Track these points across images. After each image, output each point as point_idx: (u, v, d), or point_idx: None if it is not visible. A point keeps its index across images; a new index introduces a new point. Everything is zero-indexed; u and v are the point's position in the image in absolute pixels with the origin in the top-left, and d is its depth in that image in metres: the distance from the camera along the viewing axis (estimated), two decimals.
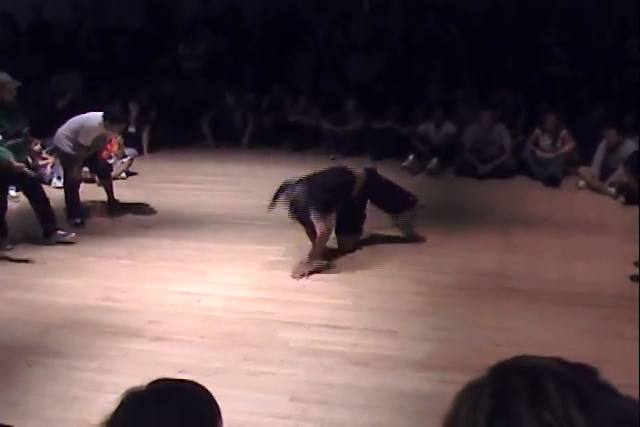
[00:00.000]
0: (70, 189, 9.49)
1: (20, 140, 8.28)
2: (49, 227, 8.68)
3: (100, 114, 9.20)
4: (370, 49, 14.50)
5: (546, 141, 11.47)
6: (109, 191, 9.93)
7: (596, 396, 1.24)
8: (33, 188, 8.64)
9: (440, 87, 13.15)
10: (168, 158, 12.66)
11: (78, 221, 9.37)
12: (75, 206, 9.50)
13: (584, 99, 12.50)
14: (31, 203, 8.75)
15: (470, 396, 1.30)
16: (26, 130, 8.41)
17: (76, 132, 9.15)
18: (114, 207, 9.93)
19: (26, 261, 8.19)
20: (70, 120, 9.37)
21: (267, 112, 13.71)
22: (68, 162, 9.50)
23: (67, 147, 9.30)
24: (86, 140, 9.19)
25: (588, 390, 1.24)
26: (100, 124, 9.16)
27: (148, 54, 15.14)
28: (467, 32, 14.73)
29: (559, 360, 1.31)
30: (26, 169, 8.27)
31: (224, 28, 15.89)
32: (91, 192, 10.20)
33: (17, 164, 8.00)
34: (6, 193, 8.65)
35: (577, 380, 1.26)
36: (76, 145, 9.21)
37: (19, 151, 8.34)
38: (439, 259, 8.03)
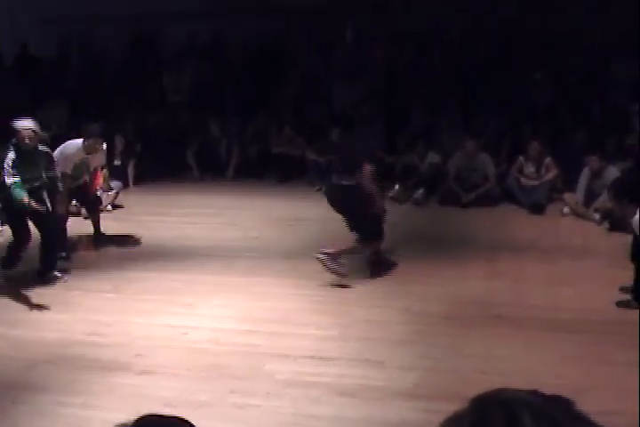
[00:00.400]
0: (57, 223, 9.45)
1: (38, 184, 8.27)
2: (47, 267, 8.60)
3: (79, 140, 9.24)
4: (353, 77, 14.59)
5: (530, 169, 11.53)
6: (96, 225, 9.90)
7: (570, 426, 1.27)
8: (45, 224, 8.54)
9: (423, 115, 13.23)
10: (154, 191, 12.67)
11: (64, 255, 9.34)
12: (61, 240, 9.46)
13: (566, 125, 12.59)
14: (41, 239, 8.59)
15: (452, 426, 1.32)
16: (51, 174, 8.44)
17: (57, 162, 9.10)
18: (100, 241, 9.90)
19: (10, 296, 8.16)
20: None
21: (251, 142, 13.75)
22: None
23: None
24: (66, 167, 9.08)
25: (563, 420, 1.27)
26: (77, 148, 9.16)
27: (133, 86, 15.21)
28: (449, 60, 14.85)
29: (535, 392, 1.35)
30: (38, 207, 8.16)
31: (208, 59, 15.99)
32: (76, 225, 10.15)
33: (33, 203, 7.92)
34: (27, 227, 8.54)
35: (552, 411, 1.29)
36: (61, 176, 9.19)
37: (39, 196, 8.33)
38: (425, 287, 8.04)
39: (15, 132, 8.06)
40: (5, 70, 15.63)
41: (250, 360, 6.46)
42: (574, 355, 6.36)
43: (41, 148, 8.34)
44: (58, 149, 9.29)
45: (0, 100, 13.98)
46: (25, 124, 8.13)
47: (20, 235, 8.41)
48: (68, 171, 9.17)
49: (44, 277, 8.56)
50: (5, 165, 7.89)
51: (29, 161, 8.13)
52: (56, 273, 8.62)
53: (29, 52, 16.36)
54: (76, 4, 16.57)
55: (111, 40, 16.21)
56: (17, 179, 7.85)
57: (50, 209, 8.42)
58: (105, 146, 9.73)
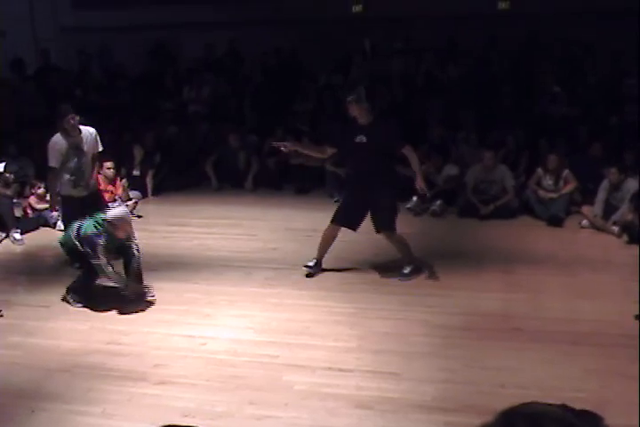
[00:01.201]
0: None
1: None
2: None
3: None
4: (370, 91, 14.59)
5: (548, 181, 11.51)
6: None
7: None
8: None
9: (440, 128, 13.24)
10: (172, 201, 12.73)
11: (77, 265, 9.35)
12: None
13: (584, 137, 12.56)
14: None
15: None
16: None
17: (49, 158, 9.08)
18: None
19: (29, 304, 8.20)
20: None
21: (269, 154, 13.79)
22: (64, 204, 9.42)
23: (62, 188, 9.30)
24: (54, 161, 9.02)
25: None
26: (57, 136, 9.03)
27: (152, 98, 15.29)
28: (465, 73, 14.87)
29: (565, 407, 1.34)
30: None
31: (226, 71, 16.06)
32: None
33: None
34: None
35: (581, 426, 1.29)
36: (49, 171, 9.18)
37: None
38: (443, 300, 8.02)
39: None
40: (26, 80, 15.73)
41: (268, 371, 6.46)
42: (593, 368, 6.33)
43: None
44: None
45: (22, 108, 14.10)
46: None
47: None
48: (56, 164, 9.05)
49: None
50: None
51: None
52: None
53: (51, 62, 16.48)
54: (95, 15, 16.71)
55: (130, 50, 16.31)
56: None
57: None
58: (94, 131, 9.32)
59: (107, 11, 17.01)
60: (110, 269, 7.86)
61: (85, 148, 9.19)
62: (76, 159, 9.11)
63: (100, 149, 9.44)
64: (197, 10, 16.58)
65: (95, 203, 9.49)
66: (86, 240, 7.79)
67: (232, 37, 16.39)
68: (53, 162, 9.05)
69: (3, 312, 7.84)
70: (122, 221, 7.83)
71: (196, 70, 16.07)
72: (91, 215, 8.03)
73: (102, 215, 7.85)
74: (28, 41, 17.26)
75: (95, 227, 7.79)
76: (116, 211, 7.97)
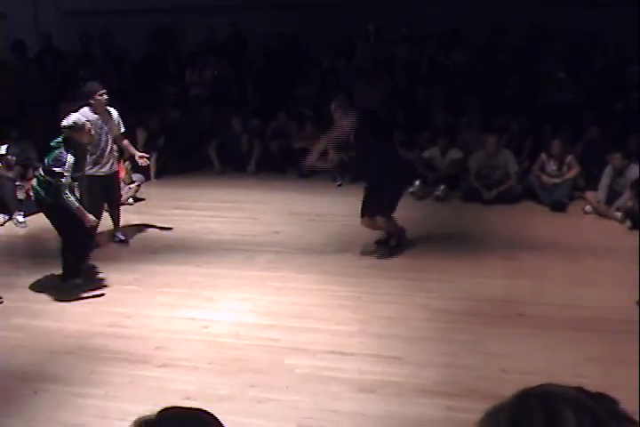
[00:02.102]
0: (93, 211, 9.36)
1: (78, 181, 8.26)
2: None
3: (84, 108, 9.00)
4: (374, 76, 14.57)
5: (552, 167, 11.48)
6: (116, 220, 9.87)
7: (613, 425, 1.27)
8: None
9: (444, 113, 13.21)
10: (175, 184, 12.71)
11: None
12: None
13: (588, 123, 12.52)
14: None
15: (491, 418, 1.39)
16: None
17: None
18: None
19: (32, 287, 8.22)
20: None
21: (272, 137, 13.76)
22: (86, 183, 9.36)
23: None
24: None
25: (605, 418, 1.27)
26: (84, 111, 8.90)
27: (154, 82, 15.25)
28: (469, 58, 14.83)
29: (580, 389, 1.35)
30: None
31: (229, 54, 16.01)
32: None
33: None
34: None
35: (595, 408, 1.29)
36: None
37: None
38: (446, 285, 8.02)
39: (78, 129, 7.88)
40: (29, 63, 15.69)
41: (270, 354, 6.47)
42: (595, 354, 6.34)
43: None
44: None
45: (23, 92, 14.07)
46: (82, 118, 8.08)
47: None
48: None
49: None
50: (67, 167, 7.68)
51: (82, 158, 8.09)
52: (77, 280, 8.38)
53: (53, 44, 16.43)
54: None
55: (132, 34, 16.25)
56: (68, 182, 7.74)
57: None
58: (116, 112, 9.27)
59: None
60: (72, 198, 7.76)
61: (109, 127, 9.19)
62: (99, 137, 9.04)
63: (123, 130, 9.41)
64: None
65: (113, 183, 9.53)
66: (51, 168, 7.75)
67: (234, 21, 16.31)
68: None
69: (3, 299, 7.82)
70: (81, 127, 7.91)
71: (199, 54, 16.02)
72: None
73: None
74: (29, 24, 17.18)
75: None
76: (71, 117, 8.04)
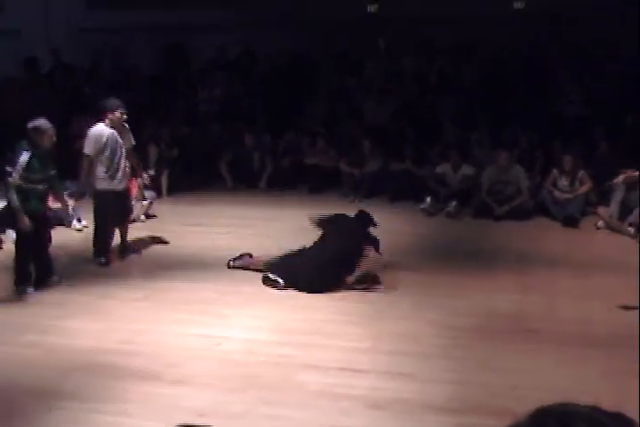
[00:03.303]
0: (104, 226, 9.51)
1: (47, 184, 8.40)
2: (47, 272, 8.70)
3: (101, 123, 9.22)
4: (384, 91, 14.63)
5: (563, 182, 11.49)
6: (124, 234, 9.90)
7: None
8: (43, 232, 8.66)
9: (454, 129, 13.24)
10: (187, 201, 12.76)
11: (103, 260, 9.43)
12: (104, 245, 9.54)
13: (599, 138, 12.52)
14: (35, 246, 8.60)
15: None
16: (54, 173, 8.52)
17: (85, 145, 9.19)
18: (124, 250, 9.89)
19: (43, 303, 8.26)
20: None
21: (284, 154, 13.81)
22: (99, 198, 9.46)
23: (96, 182, 9.35)
24: (91, 150, 9.13)
25: None
26: (101, 127, 9.15)
27: (166, 98, 15.34)
28: (480, 73, 14.86)
29: (596, 408, 1.36)
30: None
31: (239, 71, 16.09)
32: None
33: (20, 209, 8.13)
34: (33, 242, 8.60)
35: None
36: (85, 159, 9.24)
37: (46, 195, 8.53)
38: (456, 301, 8.02)
39: (39, 132, 8.17)
40: (41, 78, 15.80)
41: (282, 371, 6.48)
42: (607, 370, 6.31)
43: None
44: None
45: (34, 107, 14.15)
46: (48, 123, 8.25)
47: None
48: (91, 152, 9.13)
49: (44, 283, 8.62)
50: (18, 166, 8.01)
51: (43, 161, 8.29)
52: (55, 278, 8.72)
53: (63, 60, 16.55)
54: (109, 16, 16.77)
55: (143, 51, 16.36)
56: (18, 182, 8.04)
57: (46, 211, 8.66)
58: (127, 126, 9.48)
59: (120, 12, 17.06)
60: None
61: (122, 142, 9.34)
62: (114, 152, 9.22)
63: (133, 143, 9.60)
64: (212, 11, 16.60)
65: (126, 198, 9.74)
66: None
67: (246, 38, 16.40)
68: (90, 150, 9.16)
69: None
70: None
71: (209, 71, 16.11)
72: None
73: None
74: (41, 41, 17.32)
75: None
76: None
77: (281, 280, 8.43)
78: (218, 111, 15.25)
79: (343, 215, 9.08)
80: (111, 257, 9.60)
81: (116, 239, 9.81)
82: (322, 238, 8.76)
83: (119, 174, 9.31)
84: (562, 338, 7.01)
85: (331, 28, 15.88)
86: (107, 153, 9.17)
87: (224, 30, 16.50)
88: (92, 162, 9.19)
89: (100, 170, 9.22)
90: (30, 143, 8.15)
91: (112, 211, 9.37)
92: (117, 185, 9.33)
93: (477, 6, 15.49)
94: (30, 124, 8.19)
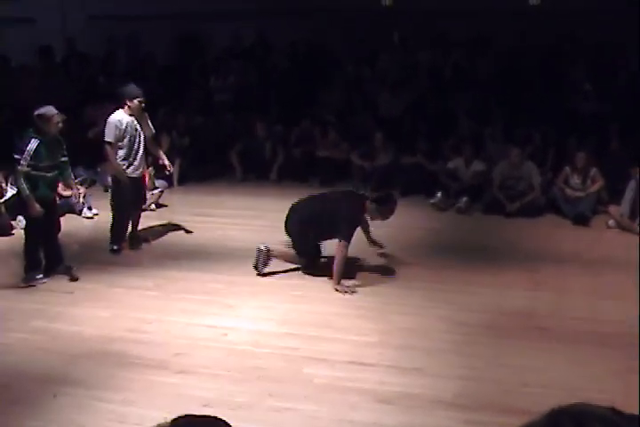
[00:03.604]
0: (122, 212, 9.52)
1: (57, 172, 8.40)
2: (56, 260, 8.71)
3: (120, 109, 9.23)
4: (398, 84, 14.58)
5: (575, 180, 11.42)
6: (135, 223, 9.89)
7: None
8: (53, 220, 8.69)
9: (469, 123, 13.17)
10: (197, 191, 12.73)
11: (115, 247, 9.43)
12: (121, 232, 9.55)
13: (612, 136, 12.44)
14: (44, 234, 8.61)
15: None
16: (64, 160, 8.51)
17: (105, 132, 9.17)
18: (135, 239, 9.85)
19: (52, 290, 8.26)
20: None
21: (296, 145, 13.75)
22: (117, 184, 9.45)
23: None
24: (112, 136, 9.10)
25: None
26: (121, 113, 9.15)
27: (179, 87, 15.31)
28: (495, 67, 14.81)
29: (613, 409, 1.33)
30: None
31: (253, 60, 16.06)
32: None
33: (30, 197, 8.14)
34: (42, 229, 8.62)
35: None
36: (105, 146, 9.21)
37: (55, 183, 8.53)
38: (466, 297, 7.99)
39: (44, 119, 8.16)
40: (55, 67, 15.78)
41: (288, 363, 6.46)
42: (617, 369, 6.28)
43: (58, 136, 8.49)
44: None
45: (49, 95, 14.14)
46: (53, 110, 8.23)
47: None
48: (112, 139, 9.11)
49: (53, 271, 8.63)
50: (26, 154, 8.03)
51: (51, 149, 8.29)
52: (65, 265, 8.72)
53: (78, 49, 16.53)
54: (124, 4, 16.74)
55: (158, 40, 16.34)
56: (27, 169, 8.06)
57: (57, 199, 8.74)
58: (146, 114, 9.52)
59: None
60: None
61: (143, 129, 9.37)
62: (132, 139, 9.25)
63: (153, 131, 9.63)
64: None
65: (141, 186, 9.76)
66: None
67: (260, 26, 16.37)
68: (111, 137, 9.14)
69: None
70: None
71: (223, 59, 16.07)
72: None
73: None
74: (56, 29, 17.29)
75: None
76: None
77: None
78: (232, 101, 15.21)
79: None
80: (123, 245, 9.61)
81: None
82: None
83: (137, 162, 9.35)
84: (573, 336, 6.98)
85: (346, 18, 15.85)
86: (126, 140, 9.19)
87: (239, 18, 16.46)
88: (112, 148, 9.18)
89: (119, 156, 9.22)
90: (37, 130, 8.16)
91: (129, 198, 9.39)
92: (134, 172, 9.36)
93: (493, 0, 15.44)
94: (36, 112, 8.19)
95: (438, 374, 6.25)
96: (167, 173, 10.36)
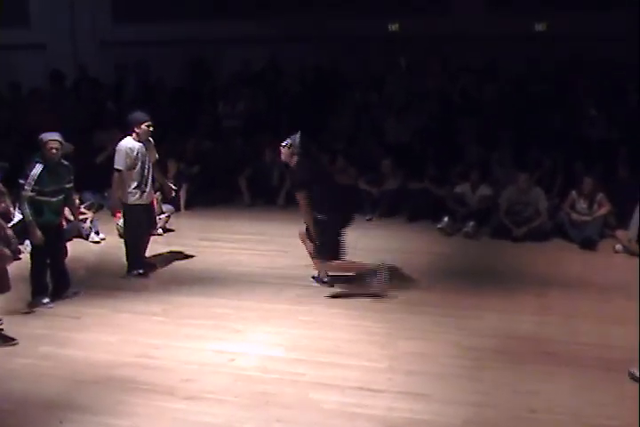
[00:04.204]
0: (137, 239, 9.57)
1: (62, 197, 8.43)
2: (61, 284, 8.74)
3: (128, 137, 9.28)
4: (404, 109, 14.61)
5: (582, 204, 11.41)
6: (144, 248, 9.95)
7: None
8: (59, 245, 8.72)
9: (477, 148, 13.19)
10: (204, 216, 12.75)
11: (141, 271, 9.46)
12: (139, 258, 9.57)
13: (620, 161, 12.43)
14: (51, 259, 8.68)
15: None
16: (69, 186, 8.54)
17: (115, 159, 9.21)
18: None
19: (59, 315, 8.26)
20: None
21: None
22: (130, 213, 9.49)
23: (126, 197, 9.38)
24: (122, 164, 9.15)
25: None
26: (130, 140, 9.21)
27: (189, 112, 15.37)
28: (502, 93, 14.83)
29: None
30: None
31: (263, 86, 16.11)
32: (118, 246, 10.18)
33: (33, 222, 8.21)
34: (48, 254, 8.64)
35: None
36: (115, 173, 9.26)
37: (61, 208, 8.55)
38: (474, 322, 7.96)
39: (41, 144, 8.23)
40: (66, 92, 15.89)
41: (297, 389, 6.43)
42: (626, 395, 6.22)
43: (64, 162, 8.52)
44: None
45: (59, 120, 14.23)
46: (53, 135, 8.27)
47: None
48: (122, 167, 9.15)
49: (59, 295, 8.67)
50: (30, 179, 8.10)
51: (55, 174, 8.34)
52: (72, 290, 8.78)
53: (89, 74, 16.65)
54: (134, 30, 16.87)
55: (167, 65, 16.43)
56: (31, 194, 8.13)
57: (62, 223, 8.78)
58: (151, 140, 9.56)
59: (146, 25, 17.16)
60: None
61: (149, 155, 9.42)
62: (143, 166, 9.31)
63: (157, 157, 9.66)
64: (236, 25, 16.67)
65: (152, 211, 9.85)
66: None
67: (271, 52, 16.45)
68: (121, 165, 9.18)
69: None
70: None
71: (232, 85, 16.14)
72: None
73: None
74: (68, 54, 17.44)
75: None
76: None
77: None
78: (241, 126, 15.24)
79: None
80: (148, 268, 9.65)
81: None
82: None
83: (148, 188, 9.42)
84: (580, 361, 6.94)
85: (353, 44, 15.91)
86: (137, 167, 9.23)
87: (249, 44, 16.55)
88: (122, 177, 9.19)
89: (132, 184, 9.25)
90: (41, 155, 8.23)
91: (143, 224, 9.48)
92: (147, 199, 9.41)
93: (498, 26, 15.50)
94: (39, 137, 8.28)
95: (448, 399, 6.21)
96: (172, 196, 10.36)
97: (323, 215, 8.76)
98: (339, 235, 8.88)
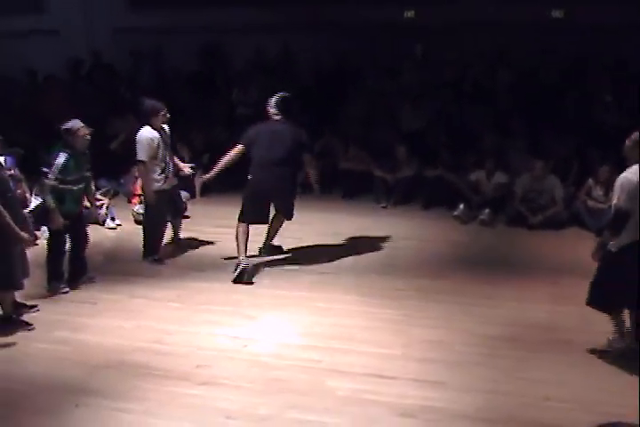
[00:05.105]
0: (159, 226, 9.65)
1: (82, 185, 8.45)
2: (78, 271, 8.80)
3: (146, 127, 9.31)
4: (420, 97, 14.56)
5: (598, 192, 11.36)
6: (177, 230, 10.13)
7: None
8: (81, 232, 8.77)
9: (492, 136, 13.13)
10: (220, 202, 12.74)
11: (157, 257, 9.53)
12: (156, 244, 9.64)
13: None
14: (72, 246, 8.76)
15: None
16: (88, 174, 8.57)
17: (137, 151, 9.23)
18: (178, 246, 10.09)
19: (75, 300, 8.31)
20: None
21: (318, 157, 13.74)
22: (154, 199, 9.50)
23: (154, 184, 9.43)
24: (145, 155, 9.19)
25: None
26: (149, 130, 9.25)
27: (202, 99, 15.35)
28: (516, 81, 14.76)
29: None
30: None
31: (277, 73, 16.08)
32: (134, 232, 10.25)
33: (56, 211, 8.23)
34: (66, 241, 8.69)
35: None
36: (138, 164, 9.32)
37: (81, 196, 8.57)
38: (489, 309, 7.96)
39: (71, 133, 8.22)
40: (80, 79, 15.91)
41: (311, 376, 6.45)
42: (638, 383, 6.22)
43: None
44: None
45: (75, 107, 14.25)
46: (79, 123, 8.29)
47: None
48: (146, 158, 9.18)
49: (76, 281, 8.72)
50: (54, 168, 8.11)
51: (79, 162, 8.36)
52: (88, 276, 8.83)
53: (103, 61, 16.65)
54: (149, 16, 16.86)
55: (182, 51, 16.41)
56: (54, 182, 8.14)
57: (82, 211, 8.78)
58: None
59: (161, 12, 17.13)
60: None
61: (166, 143, 9.49)
62: (164, 153, 9.39)
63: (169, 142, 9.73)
64: (250, 12, 16.62)
65: (178, 194, 10.03)
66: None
67: (285, 40, 16.41)
68: (144, 155, 9.22)
69: (38, 308, 7.92)
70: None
71: (246, 72, 16.12)
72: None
73: None
74: (82, 41, 17.44)
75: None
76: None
77: None
78: (254, 114, 15.22)
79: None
80: (163, 255, 9.72)
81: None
82: None
83: (170, 173, 9.53)
84: (594, 350, 6.92)
85: (368, 31, 15.84)
86: (160, 156, 9.28)
87: (263, 31, 16.50)
88: (147, 167, 9.23)
89: (156, 172, 9.32)
90: (65, 144, 8.23)
91: (164, 211, 9.57)
92: (170, 184, 9.55)
93: (514, 13, 15.39)
94: (63, 126, 8.25)
95: (460, 387, 6.22)
96: (190, 171, 10.36)
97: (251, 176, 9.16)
98: (258, 199, 9.18)
